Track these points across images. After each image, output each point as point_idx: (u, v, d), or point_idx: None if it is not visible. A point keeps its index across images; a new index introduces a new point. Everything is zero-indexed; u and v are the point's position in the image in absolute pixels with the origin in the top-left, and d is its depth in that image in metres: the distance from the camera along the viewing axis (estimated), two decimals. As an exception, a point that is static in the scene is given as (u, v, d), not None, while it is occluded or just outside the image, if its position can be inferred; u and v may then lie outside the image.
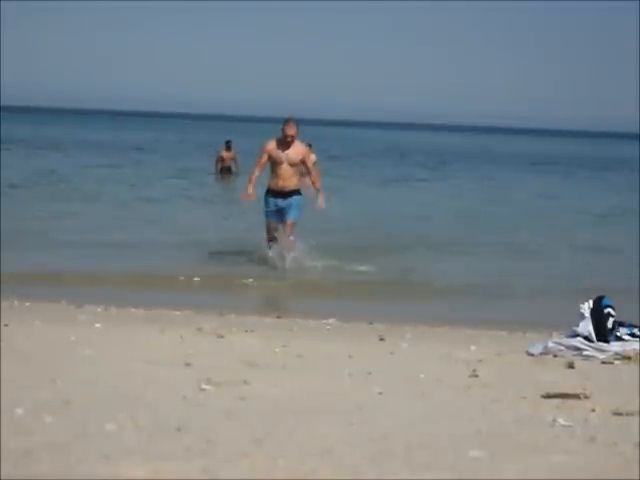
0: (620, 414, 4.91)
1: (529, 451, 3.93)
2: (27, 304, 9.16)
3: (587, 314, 7.51)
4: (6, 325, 7.36)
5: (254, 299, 10.51)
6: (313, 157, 27.82)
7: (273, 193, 12.61)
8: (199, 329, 7.77)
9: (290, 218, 12.54)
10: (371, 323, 9.04)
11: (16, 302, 9.23)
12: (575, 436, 4.30)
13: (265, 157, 12.61)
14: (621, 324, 7.56)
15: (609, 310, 7.53)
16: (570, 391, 5.53)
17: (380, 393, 5.31)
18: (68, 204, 19.05)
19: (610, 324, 7.45)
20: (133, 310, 9.17)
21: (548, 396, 5.44)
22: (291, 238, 12.44)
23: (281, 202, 12.53)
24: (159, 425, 4.05)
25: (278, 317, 9.23)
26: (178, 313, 9.03)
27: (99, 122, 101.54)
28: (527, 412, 4.94)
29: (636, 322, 7.72)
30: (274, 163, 12.61)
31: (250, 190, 12.56)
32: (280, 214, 12.56)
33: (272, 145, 12.63)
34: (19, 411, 4.15)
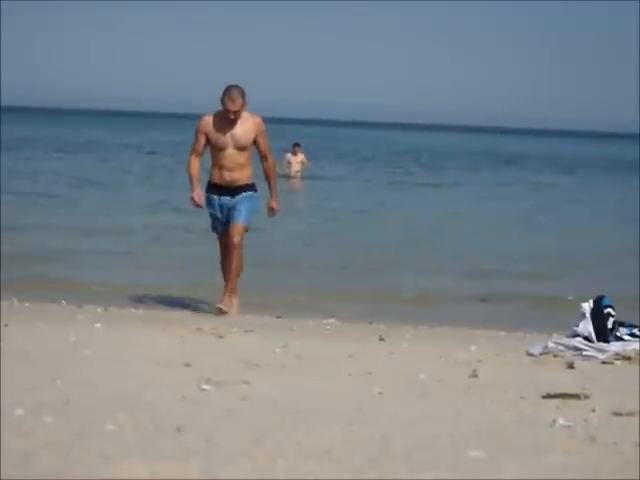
0: (620, 414, 4.91)
1: (529, 451, 3.93)
2: (27, 304, 9.15)
3: (587, 314, 7.51)
4: (6, 325, 7.36)
5: (254, 299, 10.49)
6: (302, 157, 27.77)
7: (217, 189, 9.22)
8: (199, 329, 7.77)
9: (237, 221, 9.13)
10: (371, 323, 9.04)
11: (16, 302, 9.23)
12: (575, 436, 4.31)
13: (202, 140, 9.15)
14: (621, 324, 7.56)
15: (609, 310, 7.53)
16: (570, 391, 5.53)
17: (380, 393, 5.31)
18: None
19: (610, 324, 7.46)
20: (133, 310, 9.17)
21: (548, 396, 5.44)
22: (236, 256, 9.13)
23: (228, 201, 9.18)
24: (159, 425, 4.05)
25: (278, 317, 9.22)
26: (178, 313, 9.03)
27: (101, 123, 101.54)
28: (527, 412, 4.94)
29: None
30: (215, 148, 9.12)
31: (197, 193, 9.23)
32: (227, 216, 9.25)
33: (210, 123, 9.12)
34: (19, 411, 4.15)
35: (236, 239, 9.13)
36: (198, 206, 9.32)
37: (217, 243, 9.45)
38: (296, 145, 27.69)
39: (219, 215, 9.24)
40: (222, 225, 9.26)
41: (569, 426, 4.52)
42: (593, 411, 4.99)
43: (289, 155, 27.43)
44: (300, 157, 27.45)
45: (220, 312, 9.01)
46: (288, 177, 26.66)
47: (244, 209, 9.16)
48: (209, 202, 9.29)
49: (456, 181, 31.89)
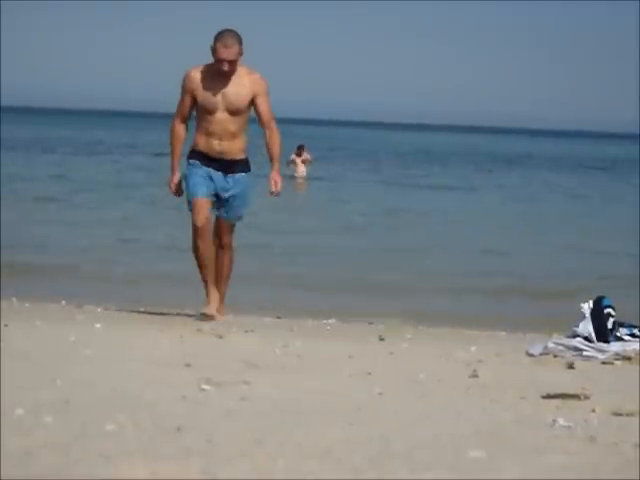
0: (620, 414, 4.91)
1: (529, 451, 3.93)
2: (27, 304, 9.15)
3: (587, 314, 7.51)
4: (6, 325, 7.35)
5: (253, 299, 10.48)
6: (307, 157, 27.80)
7: (204, 157, 7.63)
8: (199, 329, 7.76)
9: (230, 218, 7.83)
10: (371, 323, 9.05)
11: (16, 302, 9.23)
12: (575, 436, 4.30)
13: (188, 101, 7.61)
14: (621, 324, 7.56)
15: (609, 310, 7.53)
16: (570, 391, 5.52)
17: (380, 393, 5.31)
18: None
19: (610, 324, 7.45)
20: (133, 311, 9.17)
21: (548, 396, 5.43)
22: (227, 258, 7.95)
23: (220, 178, 7.65)
24: (159, 425, 4.04)
25: (278, 317, 9.23)
26: (178, 314, 9.03)
27: (101, 123, 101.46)
28: (527, 412, 4.94)
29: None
30: (202, 110, 7.58)
31: (175, 180, 7.85)
32: (216, 196, 7.72)
33: (197, 79, 7.56)
34: (19, 411, 4.14)
35: (226, 239, 7.88)
36: (175, 195, 7.99)
37: (190, 219, 7.74)
38: (300, 147, 27.80)
39: (204, 180, 7.61)
40: (206, 189, 7.63)
41: (569, 426, 4.52)
42: (593, 411, 4.99)
43: (293, 156, 27.49)
44: (305, 157, 27.57)
45: (206, 318, 8.04)
46: (293, 178, 26.69)
47: (240, 201, 7.76)
48: (192, 171, 7.68)
49: (473, 184, 31.72)
